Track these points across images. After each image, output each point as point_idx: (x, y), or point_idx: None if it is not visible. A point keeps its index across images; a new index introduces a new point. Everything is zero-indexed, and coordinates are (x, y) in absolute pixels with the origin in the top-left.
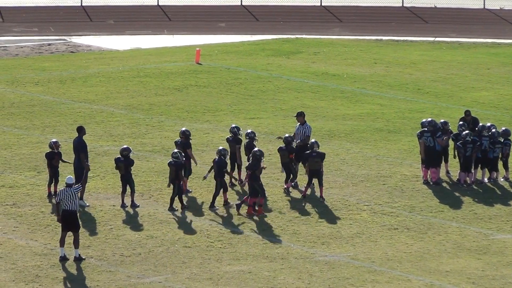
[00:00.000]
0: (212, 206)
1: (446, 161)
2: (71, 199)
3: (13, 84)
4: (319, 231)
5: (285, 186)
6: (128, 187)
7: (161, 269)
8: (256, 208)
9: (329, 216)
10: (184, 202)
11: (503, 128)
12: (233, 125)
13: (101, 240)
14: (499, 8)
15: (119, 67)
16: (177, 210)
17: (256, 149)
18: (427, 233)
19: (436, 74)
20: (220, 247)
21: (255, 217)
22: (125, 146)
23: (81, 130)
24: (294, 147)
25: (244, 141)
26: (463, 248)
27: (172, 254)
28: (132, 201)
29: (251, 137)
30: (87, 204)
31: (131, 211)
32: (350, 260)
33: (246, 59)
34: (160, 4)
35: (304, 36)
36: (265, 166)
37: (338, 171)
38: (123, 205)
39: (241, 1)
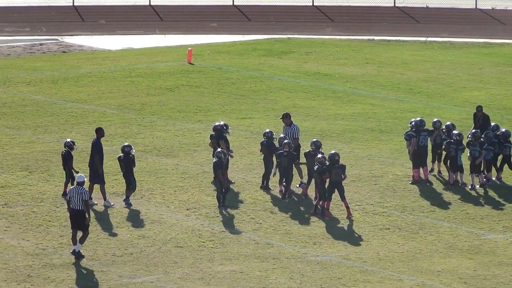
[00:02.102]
0: (284, 197)
1: (439, 161)
2: (78, 197)
3: (4, 84)
4: (311, 231)
5: (280, 188)
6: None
7: (152, 269)
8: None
9: (321, 216)
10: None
11: (503, 130)
12: (222, 122)
13: (93, 240)
14: (491, 8)
15: (111, 67)
16: (227, 208)
17: (334, 151)
18: (419, 233)
19: (427, 74)
20: (212, 247)
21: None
22: (126, 143)
23: (98, 131)
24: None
25: (263, 140)
26: (454, 248)
27: (163, 254)
28: (127, 197)
29: (269, 136)
30: (112, 204)
31: (123, 211)
32: (342, 260)
33: (238, 59)
34: (152, 4)
35: (296, 36)
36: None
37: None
38: (127, 201)
39: (233, 1)
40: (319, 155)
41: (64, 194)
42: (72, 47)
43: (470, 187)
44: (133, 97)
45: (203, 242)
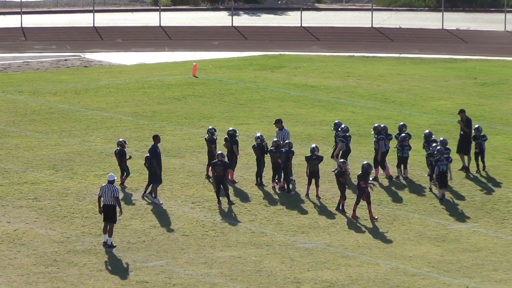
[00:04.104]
0: (289, 191)
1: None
2: (110, 194)
3: (34, 94)
4: (300, 222)
5: (272, 185)
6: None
7: (162, 254)
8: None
9: (308, 208)
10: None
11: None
12: (210, 127)
13: None
14: (455, 28)
15: (126, 80)
16: (235, 204)
17: (365, 162)
18: (393, 223)
19: (400, 86)
20: (214, 236)
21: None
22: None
23: (155, 138)
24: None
25: (254, 143)
26: (424, 236)
27: (172, 241)
28: (155, 193)
29: (262, 139)
30: (161, 202)
31: (137, 204)
32: (326, 247)
33: (236, 73)
34: (161, 25)
35: (286, 52)
36: (373, 183)
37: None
38: (144, 196)
39: (232, 23)
40: (340, 160)
41: (122, 184)
42: (92, 62)
43: (440, 199)
44: (146, 106)
45: (206, 231)
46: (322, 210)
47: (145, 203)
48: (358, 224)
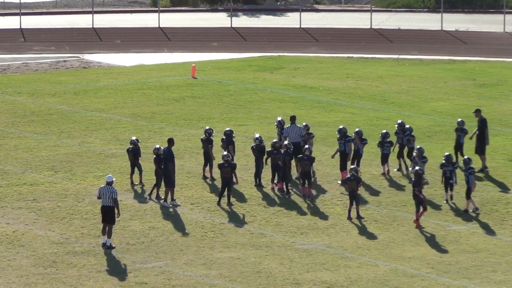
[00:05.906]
0: (288, 193)
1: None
2: (109, 196)
3: (33, 95)
4: (299, 223)
5: (272, 186)
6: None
7: (161, 255)
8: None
9: (307, 210)
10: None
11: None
12: (207, 127)
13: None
14: (454, 29)
15: (125, 81)
16: (234, 205)
17: (417, 167)
18: (392, 225)
19: (399, 87)
20: (213, 237)
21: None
22: (157, 146)
23: (170, 142)
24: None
25: (253, 144)
26: (423, 238)
27: (171, 242)
28: (157, 193)
29: (261, 140)
30: (179, 203)
31: (136, 205)
32: (326, 248)
33: (235, 74)
34: (161, 26)
35: (285, 54)
36: (427, 182)
37: (315, 171)
38: (158, 197)
39: (231, 24)
40: (353, 166)
41: (132, 184)
42: (91, 63)
43: (445, 201)
44: (145, 107)
45: (205, 232)
46: (321, 211)
47: (146, 204)
48: (357, 225)
